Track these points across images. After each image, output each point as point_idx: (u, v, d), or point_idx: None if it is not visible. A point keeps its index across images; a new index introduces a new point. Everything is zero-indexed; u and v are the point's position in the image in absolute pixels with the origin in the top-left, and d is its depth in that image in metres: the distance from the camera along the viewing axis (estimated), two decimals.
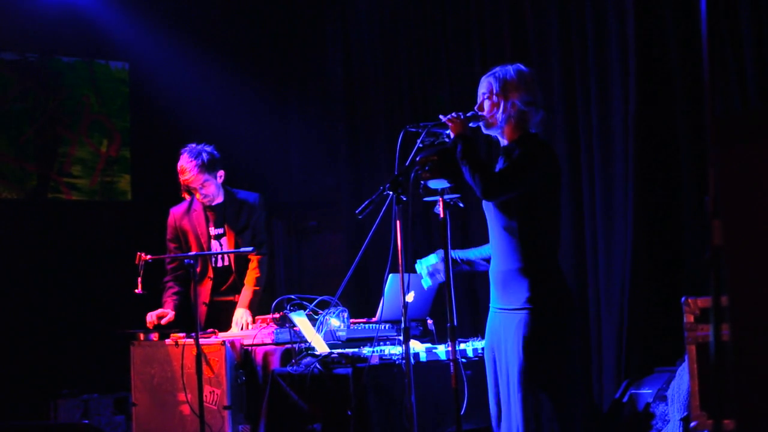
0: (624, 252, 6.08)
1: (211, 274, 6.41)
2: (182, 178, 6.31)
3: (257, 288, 6.32)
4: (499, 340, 4.40)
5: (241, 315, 6.15)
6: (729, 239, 2.32)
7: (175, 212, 6.51)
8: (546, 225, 4.40)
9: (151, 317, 6.20)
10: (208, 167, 6.30)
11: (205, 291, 6.38)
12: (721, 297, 2.33)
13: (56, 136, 8.40)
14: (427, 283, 4.81)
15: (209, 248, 6.38)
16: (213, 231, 6.43)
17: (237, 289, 6.38)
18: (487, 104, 4.48)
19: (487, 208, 4.47)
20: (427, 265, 4.78)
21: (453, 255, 4.67)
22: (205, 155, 6.30)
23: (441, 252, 4.66)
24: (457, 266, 4.74)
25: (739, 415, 2.29)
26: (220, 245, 6.41)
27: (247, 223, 6.44)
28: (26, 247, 8.11)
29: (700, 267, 5.66)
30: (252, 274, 6.35)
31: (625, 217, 6.08)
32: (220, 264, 6.46)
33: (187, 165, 6.28)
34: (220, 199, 6.44)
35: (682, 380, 5.15)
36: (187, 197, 6.44)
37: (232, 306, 6.32)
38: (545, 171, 4.40)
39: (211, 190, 6.36)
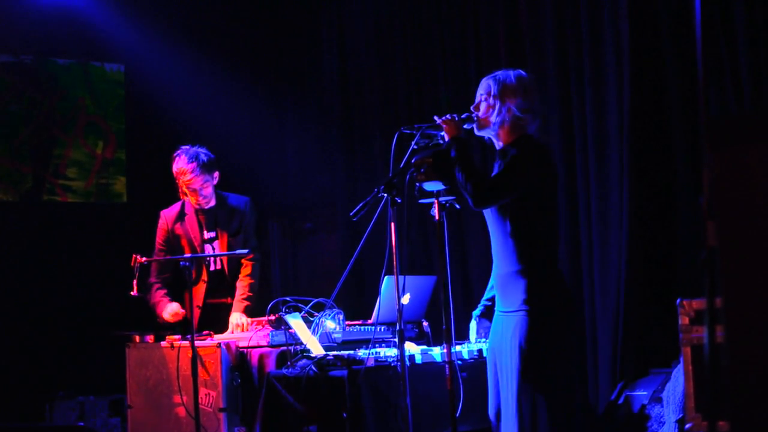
0: (619, 253, 6.08)
1: (205, 277, 6.39)
2: (183, 179, 6.28)
3: (251, 294, 6.33)
4: (500, 343, 4.40)
5: (238, 317, 6.15)
6: (723, 241, 2.32)
7: (168, 216, 6.46)
8: (543, 227, 4.39)
9: (177, 308, 6.17)
10: (207, 168, 6.29)
11: (198, 294, 6.34)
12: (716, 299, 2.33)
13: (51, 138, 8.39)
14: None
15: (203, 252, 6.36)
16: (206, 235, 6.41)
17: (230, 291, 6.38)
18: (483, 105, 4.48)
19: (487, 211, 4.46)
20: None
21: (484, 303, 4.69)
22: (203, 156, 6.30)
23: (475, 319, 4.69)
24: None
25: (733, 416, 2.30)
26: (213, 249, 6.40)
27: (240, 227, 6.44)
28: (21, 249, 8.10)
29: (694, 268, 5.66)
30: (245, 281, 6.35)
31: (620, 219, 6.09)
32: (213, 268, 6.44)
33: (187, 167, 6.25)
34: (213, 203, 6.43)
35: (677, 382, 5.16)
36: (185, 198, 6.41)
37: (226, 308, 6.32)
38: (540, 173, 4.39)
39: (209, 191, 6.36)
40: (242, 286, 6.34)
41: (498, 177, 4.36)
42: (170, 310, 6.20)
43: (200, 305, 6.33)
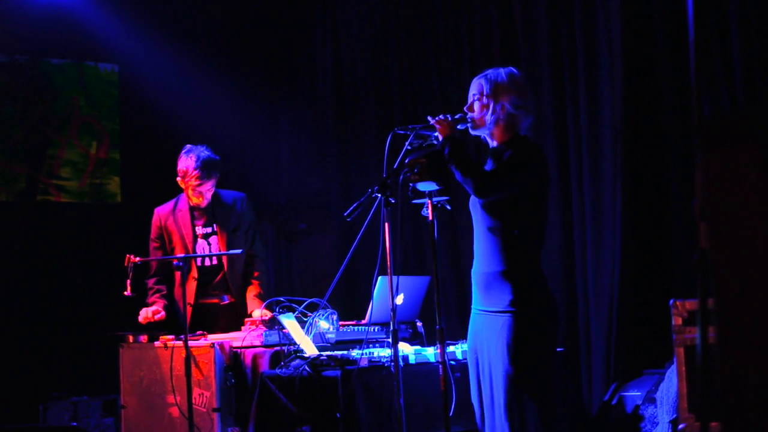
0: (612, 255, 6.09)
1: (195, 273, 6.37)
2: (190, 182, 6.27)
3: (263, 291, 6.41)
4: (482, 342, 4.38)
5: (260, 312, 6.07)
6: (715, 242, 2.32)
7: (161, 212, 6.45)
8: (531, 227, 4.37)
9: (146, 313, 6.16)
10: (215, 172, 6.31)
11: (189, 291, 6.30)
12: (708, 299, 2.34)
13: (45, 138, 8.38)
14: None
15: (194, 248, 6.35)
16: (200, 230, 6.40)
17: (225, 287, 6.38)
18: (476, 105, 4.48)
19: (474, 209, 4.46)
20: None
21: None
22: (211, 159, 6.30)
23: None
24: None
25: (725, 417, 2.30)
26: (209, 245, 6.39)
27: (238, 223, 6.44)
28: (15, 249, 8.09)
29: (687, 270, 5.67)
30: (255, 290, 6.38)
31: (614, 220, 6.09)
32: (207, 263, 6.42)
33: (196, 171, 6.23)
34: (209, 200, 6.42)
35: (671, 382, 5.16)
36: (183, 194, 6.38)
37: (216, 308, 6.32)
38: (536, 172, 4.39)
39: (211, 192, 6.37)
40: (253, 296, 6.37)
41: (499, 169, 4.35)
42: (141, 315, 6.20)
43: (192, 303, 6.31)
